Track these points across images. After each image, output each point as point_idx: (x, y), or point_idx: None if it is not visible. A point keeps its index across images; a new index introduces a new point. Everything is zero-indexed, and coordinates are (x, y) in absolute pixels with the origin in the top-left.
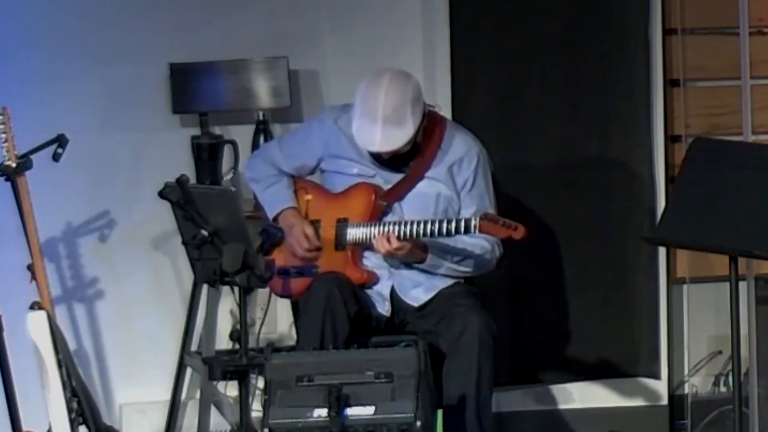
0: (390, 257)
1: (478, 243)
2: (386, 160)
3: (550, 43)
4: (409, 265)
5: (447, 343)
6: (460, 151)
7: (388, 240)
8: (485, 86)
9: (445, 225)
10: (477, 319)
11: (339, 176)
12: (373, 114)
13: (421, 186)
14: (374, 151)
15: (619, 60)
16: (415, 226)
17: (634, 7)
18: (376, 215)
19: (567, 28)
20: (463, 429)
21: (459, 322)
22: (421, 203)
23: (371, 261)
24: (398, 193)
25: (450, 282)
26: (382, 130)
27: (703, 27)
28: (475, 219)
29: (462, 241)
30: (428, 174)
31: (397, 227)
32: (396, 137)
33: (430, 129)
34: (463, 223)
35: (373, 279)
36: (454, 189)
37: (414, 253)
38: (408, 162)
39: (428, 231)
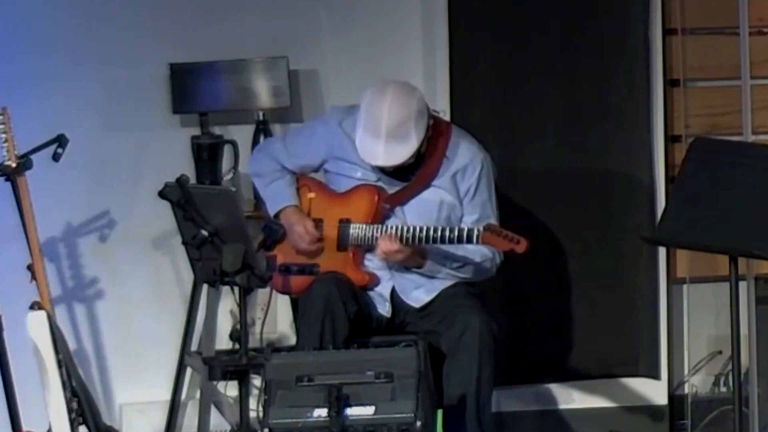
0: (388, 259)
1: (478, 250)
2: (390, 172)
3: (550, 43)
4: (408, 268)
5: (448, 344)
6: (465, 158)
7: (390, 238)
8: (485, 86)
9: (447, 233)
10: (478, 320)
11: (342, 179)
12: (376, 129)
13: (425, 193)
14: (377, 165)
15: (619, 60)
16: (417, 231)
17: (634, 7)
18: (379, 217)
19: (567, 29)
20: (463, 429)
21: (460, 322)
22: (424, 209)
23: (373, 263)
24: (402, 198)
25: (450, 282)
26: (385, 146)
27: (703, 27)
28: (478, 230)
29: (463, 248)
30: (434, 182)
31: (399, 231)
32: (399, 152)
33: (434, 138)
34: (465, 233)
35: (374, 281)
36: (457, 196)
37: (413, 258)
38: (413, 171)
39: (430, 237)
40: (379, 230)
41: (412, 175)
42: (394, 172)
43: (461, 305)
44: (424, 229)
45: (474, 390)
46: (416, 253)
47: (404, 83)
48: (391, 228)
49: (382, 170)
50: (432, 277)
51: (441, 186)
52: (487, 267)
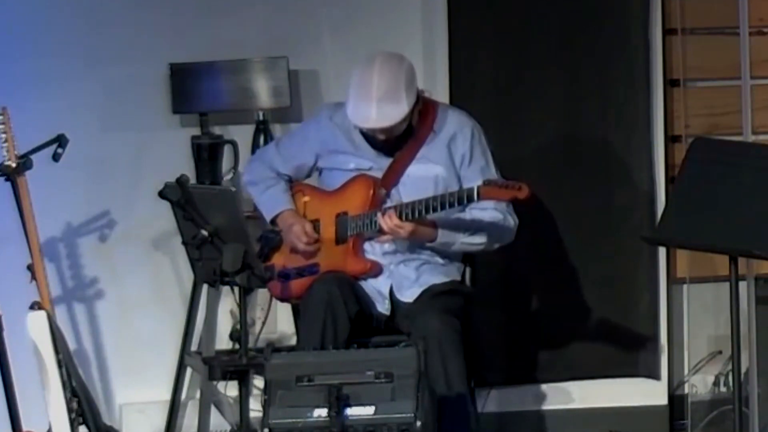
0: (397, 237)
1: (488, 213)
2: (382, 145)
3: (550, 42)
4: (408, 261)
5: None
6: (454, 126)
7: (390, 217)
8: (485, 86)
9: (447, 198)
10: (435, 320)
11: (336, 173)
12: (367, 93)
13: (418, 169)
14: (370, 127)
15: (619, 60)
16: (416, 205)
17: (634, 7)
18: (376, 204)
19: (567, 28)
20: (446, 428)
21: (419, 325)
22: (419, 187)
23: (372, 254)
24: (394, 177)
25: (445, 279)
26: (377, 107)
27: (703, 27)
28: (477, 186)
29: (471, 214)
30: (423, 154)
31: (398, 209)
32: (391, 113)
33: (424, 112)
34: (465, 193)
35: (375, 269)
36: (453, 168)
37: (423, 232)
38: (401, 147)
39: (430, 206)
40: (378, 214)
41: (401, 151)
42: (386, 149)
43: (424, 306)
44: (423, 201)
45: (445, 389)
46: (425, 226)
47: (393, 52)
48: (389, 210)
49: (374, 146)
50: (429, 275)
51: (433, 159)
52: (501, 228)
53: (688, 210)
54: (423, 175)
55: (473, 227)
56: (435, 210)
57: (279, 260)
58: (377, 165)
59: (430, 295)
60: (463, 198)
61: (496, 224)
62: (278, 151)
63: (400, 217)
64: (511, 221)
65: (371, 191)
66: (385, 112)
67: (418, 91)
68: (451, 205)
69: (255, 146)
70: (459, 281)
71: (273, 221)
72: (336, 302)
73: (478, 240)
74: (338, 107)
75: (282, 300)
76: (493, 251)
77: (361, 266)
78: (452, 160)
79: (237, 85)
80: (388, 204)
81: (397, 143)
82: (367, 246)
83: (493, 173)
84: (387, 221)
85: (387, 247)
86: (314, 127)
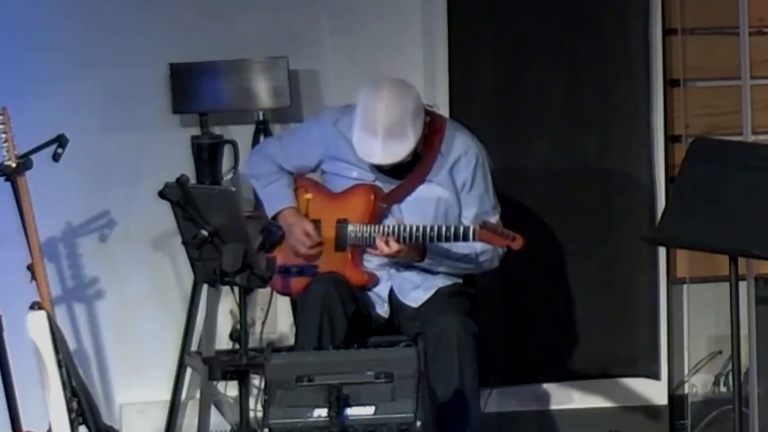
0: (390, 259)
1: (478, 243)
2: (387, 170)
3: (550, 43)
4: (409, 266)
5: (426, 347)
6: (459, 150)
7: (387, 243)
8: (484, 86)
9: (444, 231)
10: (455, 321)
11: (339, 179)
12: (373, 128)
13: (422, 190)
14: (376, 163)
15: (619, 60)
16: (414, 230)
17: (634, 7)
18: (376, 217)
19: (566, 28)
20: (450, 430)
21: (436, 325)
22: (421, 207)
23: (371, 263)
24: (398, 196)
25: (449, 282)
26: (383, 144)
27: (703, 27)
28: (474, 228)
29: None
30: (429, 178)
31: (396, 230)
32: (397, 150)
33: (430, 135)
34: (462, 231)
35: (373, 281)
36: (454, 191)
37: (411, 255)
38: (409, 169)
39: (427, 235)
40: (377, 230)
41: (408, 173)
42: (391, 171)
43: (441, 307)
44: (421, 227)
45: (458, 390)
46: (414, 250)
47: (399, 81)
48: (388, 228)
49: (379, 169)
50: (430, 276)
51: (437, 182)
52: (487, 259)
53: (688, 210)
54: (427, 197)
55: (460, 255)
56: (431, 240)
57: (280, 255)
58: (381, 179)
59: (443, 296)
60: (460, 236)
61: (483, 253)
62: (281, 147)
63: (397, 241)
64: (500, 251)
65: (373, 204)
66: (391, 148)
67: (426, 116)
68: (447, 239)
69: (255, 146)
70: (462, 283)
71: (274, 218)
72: (333, 302)
73: (464, 265)
74: (343, 113)
75: (282, 294)
76: None
77: (359, 278)
78: (454, 183)
79: (237, 85)
80: (389, 219)
81: (402, 167)
82: (366, 255)
83: (491, 199)
84: (383, 247)
85: None
86: (317, 130)
